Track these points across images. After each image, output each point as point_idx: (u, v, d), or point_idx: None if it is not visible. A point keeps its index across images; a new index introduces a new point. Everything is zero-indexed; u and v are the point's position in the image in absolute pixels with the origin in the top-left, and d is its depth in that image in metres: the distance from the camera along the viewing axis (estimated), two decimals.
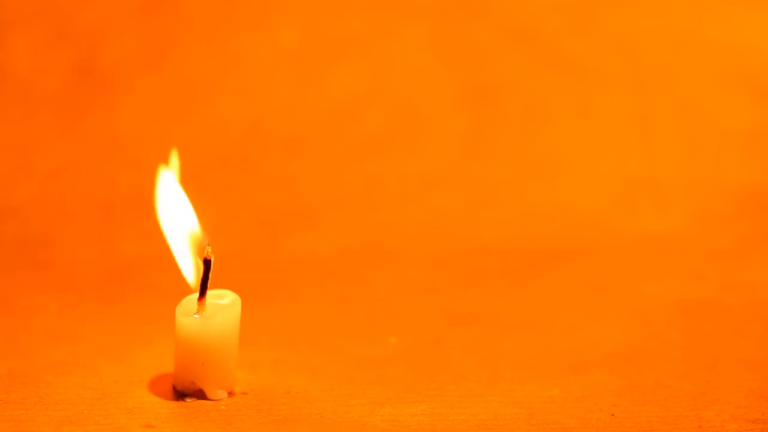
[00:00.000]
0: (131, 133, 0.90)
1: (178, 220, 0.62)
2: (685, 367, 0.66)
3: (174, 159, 0.63)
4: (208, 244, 0.61)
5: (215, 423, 0.58)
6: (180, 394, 0.61)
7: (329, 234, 0.86)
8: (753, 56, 0.94)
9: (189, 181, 0.64)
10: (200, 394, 0.61)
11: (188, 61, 0.92)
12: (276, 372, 0.65)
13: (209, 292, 0.61)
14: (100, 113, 0.90)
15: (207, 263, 0.61)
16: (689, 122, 0.93)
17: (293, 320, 0.73)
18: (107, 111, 0.90)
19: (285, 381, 0.63)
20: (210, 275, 0.61)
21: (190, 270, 0.62)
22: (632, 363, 0.67)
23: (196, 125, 0.91)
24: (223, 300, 0.62)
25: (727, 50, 0.94)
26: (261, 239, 0.85)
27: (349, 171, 0.90)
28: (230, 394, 0.62)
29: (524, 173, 0.91)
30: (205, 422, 0.59)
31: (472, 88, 0.94)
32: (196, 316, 0.61)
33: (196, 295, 0.61)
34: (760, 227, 0.87)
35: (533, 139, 0.93)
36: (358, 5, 0.94)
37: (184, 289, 0.62)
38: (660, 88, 0.94)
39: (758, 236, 0.86)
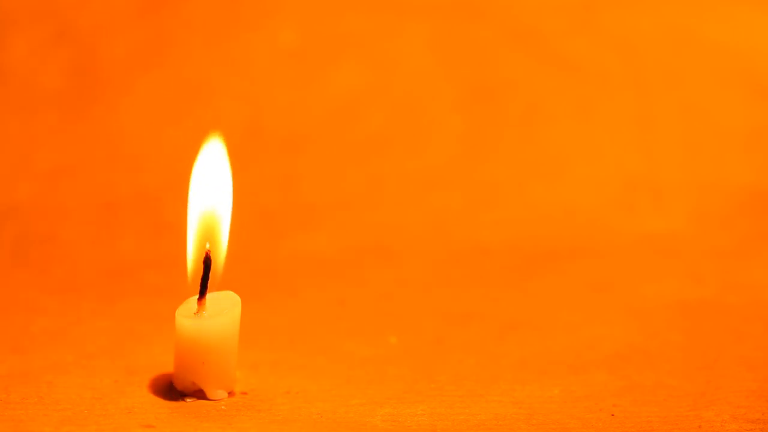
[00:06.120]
0: (131, 133, 0.90)
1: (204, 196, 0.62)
2: (685, 367, 0.66)
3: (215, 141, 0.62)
4: (208, 245, 0.61)
5: (215, 423, 0.58)
6: (180, 394, 0.61)
7: (329, 234, 0.86)
8: (753, 56, 0.94)
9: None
10: (200, 394, 0.61)
11: (188, 61, 0.93)
12: (276, 372, 0.65)
13: (209, 293, 0.61)
14: (100, 113, 0.90)
15: (207, 263, 0.61)
16: (689, 122, 0.93)
17: (293, 320, 0.73)
18: (107, 111, 0.90)
19: (285, 381, 0.63)
20: (210, 275, 0.61)
21: (191, 255, 0.62)
22: (632, 363, 0.67)
23: (196, 125, 0.91)
24: (224, 300, 0.62)
25: (727, 50, 0.94)
26: (261, 239, 0.85)
27: (349, 171, 0.90)
28: (230, 394, 0.62)
29: (524, 173, 0.91)
30: (205, 422, 0.59)
31: (472, 88, 0.94)
32: (196, 316, 0.61)
33: (197, 296, 0.61)
34: (760, 227, 0.87)
35: (533, 139, 0.93)
36: (358, 5, 0.94)
37: (184, 289, 0.62)
38: (660, 88, 0.94)
39: (758, 236, 0.86)
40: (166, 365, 0.64)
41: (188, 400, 0.61)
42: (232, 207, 0.63)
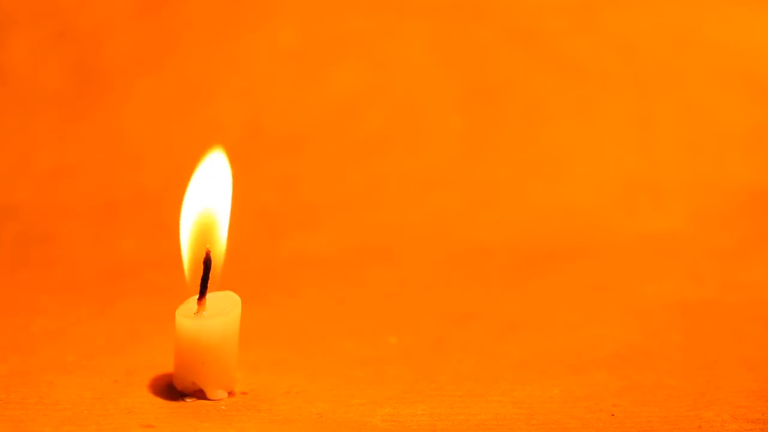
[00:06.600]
0: (131, 133, 0.90)
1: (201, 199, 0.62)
2: (685, 367, 0.66)
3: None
4: (208, 247, 0.61)
5: (215, 423, 0.58)
6: (180, 394, 0.61)
7: (329, 234, 0.86)
8: (753, 56, 0.94)
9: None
10: (200, 394, 0.61)
11: (188, 61, 0.93)
12: (276, 372, 0.65)
13: (209, 293, 0.61)
14: (101, 113, 0.90)
15: (207, 263, 0.61)
16: (689, 122, 0.93)
17: (293, 320, 0.73)
18: (107, 111, 0.90)
19: (285, 381, 0.63)
20: (210, 276, 0.61)
21: (186, 253, 0.62)
22: (632, 363, 0.67)
23: (196, 125, 0.91)
24: (224, 300, 0.62)
25: (727, 50, 0.94)
26: (261, 239, 0.85)
27: (349, 171, 0.90)
28: (230, 394, 0.62)
29: (524, 173, 0.91)
30: (205, 422, 0.59)
31: (472, 88, 0.94)
32: (196, 316, 0.61)
33: (197, 296, 0.61)
34: (760, 227, 0.87)
35: (533, 139, 0.93)
36: (358, 5, 0.94)
37: (184, 289, 0.62)
38: (660, 88, 0.94)
39: (758, 236, 0.86)
40: (166, 365, 0.64)
41: (188, 400, 0.61)
42: (231, 208, 0.63)
